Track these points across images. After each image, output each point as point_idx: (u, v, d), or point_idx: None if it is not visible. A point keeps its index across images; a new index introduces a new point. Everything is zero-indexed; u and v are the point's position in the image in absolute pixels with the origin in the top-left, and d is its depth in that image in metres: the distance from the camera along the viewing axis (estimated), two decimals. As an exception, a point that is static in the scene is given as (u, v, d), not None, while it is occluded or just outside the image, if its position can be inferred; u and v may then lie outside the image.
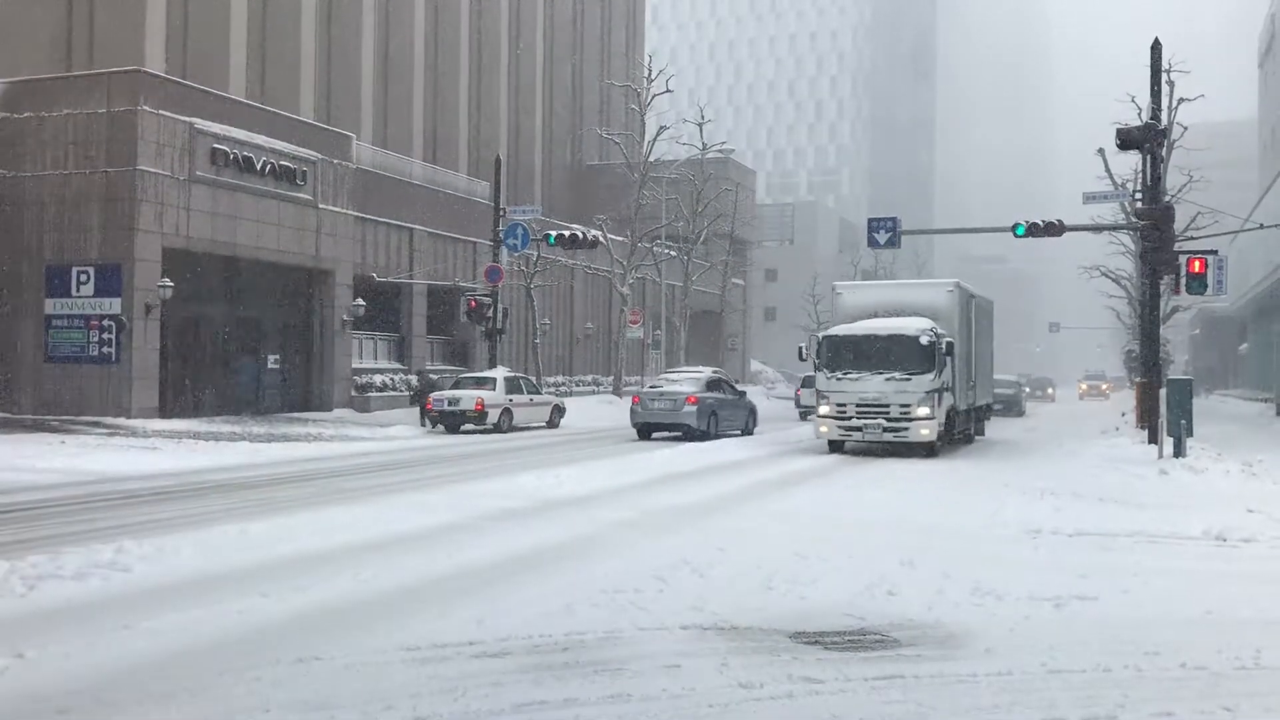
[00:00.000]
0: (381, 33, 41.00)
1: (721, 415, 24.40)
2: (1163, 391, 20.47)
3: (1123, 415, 31.43)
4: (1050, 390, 61.35)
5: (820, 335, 20.02)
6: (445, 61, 44.76)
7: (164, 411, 24.64)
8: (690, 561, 8.51)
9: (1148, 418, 21.38)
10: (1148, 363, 22.10)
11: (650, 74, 42.49)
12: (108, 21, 30.83)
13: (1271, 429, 29.64)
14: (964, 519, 11.26)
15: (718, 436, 23.63)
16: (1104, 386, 68.60)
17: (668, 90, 41.83)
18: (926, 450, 18.86)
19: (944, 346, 18.80)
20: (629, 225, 40.93)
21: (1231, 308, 62.95)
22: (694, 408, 23.23)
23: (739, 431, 25.24)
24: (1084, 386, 69.47)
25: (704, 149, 46.22)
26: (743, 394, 27.01)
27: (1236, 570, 8.67)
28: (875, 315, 20.11)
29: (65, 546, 8.69)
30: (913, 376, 18.49)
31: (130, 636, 6.18)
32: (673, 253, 46.03)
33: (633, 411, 24.25)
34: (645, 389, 25.13)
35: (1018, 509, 11.84)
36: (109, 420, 23.19)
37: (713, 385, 24.58)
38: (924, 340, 18.57)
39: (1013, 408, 37.97)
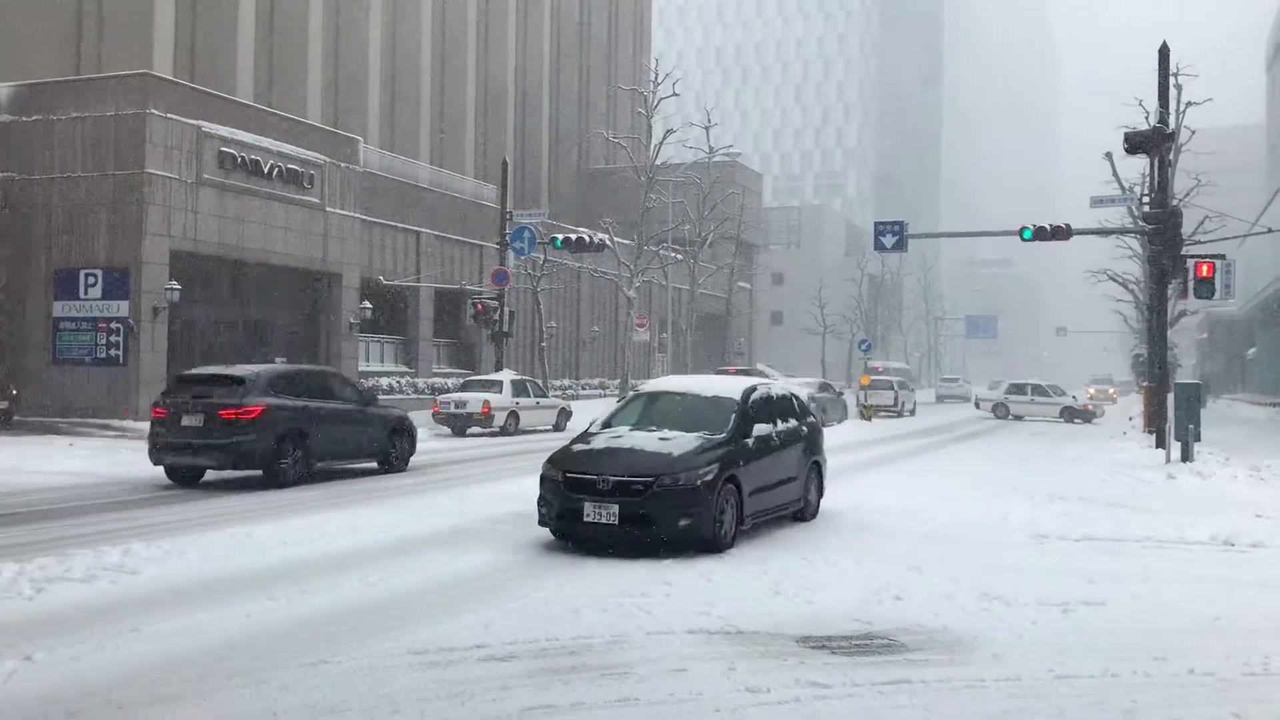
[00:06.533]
0: (389, 37, 41.08)
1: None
2: (1170, 396, 20.48)
3: (1130, 420, 31.34)
4: None
5: None
6: (452, 65, 44.83)
7: (171, 414, 24.63)
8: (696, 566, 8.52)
9: (1155, 422, 21.35)
10: (1155, 367, 22.05)
11: (657, 77, 42.49)
12: (116, 25, 30.93)
13: (1280, 434, 29.55)
14: (971, 524, 11.23)
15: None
16: (1111, 391, 68.33)
17: (674, 94, 41.84)
18: None
19: None
20: (635, 229, 40.95)
21: (1239, 312, 62.77)
22: None
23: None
24: (1092, 391, 69.22)
25: (710, 152, 46.21)
26: (841, 392, 33.87)
27: (1245, 575, 8.64)
28: None
29: (73, 549, 8.71)
30: None
31: (138, 639, 6.20)
32: (679, 256, 46.02)
33: None
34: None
35: (1025, 514, 11.81)
36: (117, 422, 23.23)
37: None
38: None
39: None
